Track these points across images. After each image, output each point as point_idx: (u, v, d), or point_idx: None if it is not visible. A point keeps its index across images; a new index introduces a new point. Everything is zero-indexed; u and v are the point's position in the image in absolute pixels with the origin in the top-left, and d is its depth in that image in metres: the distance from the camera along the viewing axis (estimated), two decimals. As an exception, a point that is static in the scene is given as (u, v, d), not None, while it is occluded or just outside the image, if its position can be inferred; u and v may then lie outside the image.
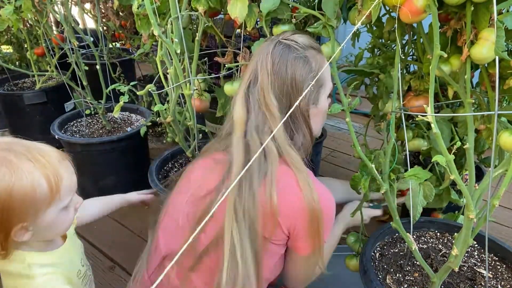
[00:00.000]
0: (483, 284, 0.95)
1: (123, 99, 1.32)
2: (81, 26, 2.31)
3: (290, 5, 1.04)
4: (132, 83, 1.42)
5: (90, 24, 2.42)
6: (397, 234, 1.11)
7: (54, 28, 2.68)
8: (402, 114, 0.96)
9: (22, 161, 0.67)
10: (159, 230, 0.94)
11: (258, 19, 1.07)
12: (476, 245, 1.08)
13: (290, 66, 0.86)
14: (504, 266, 1.01)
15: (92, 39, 2.14)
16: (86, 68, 2.08)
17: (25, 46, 2.60)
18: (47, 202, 0.69)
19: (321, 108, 0.93)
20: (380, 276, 0.97)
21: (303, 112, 0.89)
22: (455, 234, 0.85)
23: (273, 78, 0.86)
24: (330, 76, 0.95)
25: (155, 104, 1.35)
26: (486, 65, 0.82)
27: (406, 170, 0.93)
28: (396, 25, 0.82)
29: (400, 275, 0.98)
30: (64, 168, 0.72)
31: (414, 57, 1.24)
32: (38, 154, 0.69)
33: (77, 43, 2.00)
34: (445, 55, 0.71)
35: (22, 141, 0.72)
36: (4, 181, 0.64)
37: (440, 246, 1.08)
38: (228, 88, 1.24)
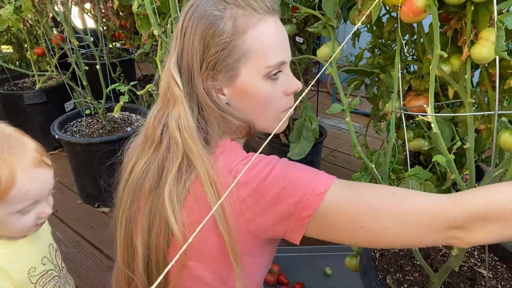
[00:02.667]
0: (483, 284, 0.95)
1: (123, 99, 1.33)
2: (81, 26, 2.31)
3: (291, 5, 1.04)
4: (132, 83, 1.42)
5: (90, 24, 2.42)
6: (397, 234, 1.11)
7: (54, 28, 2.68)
8: (403, 114, 0.96)
9: None
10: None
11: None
12: (476, 245, 1.08)
13: (196, 26, 0.66)
14: (504, 266, 1.01)
15: (92, 39, 2.14)
16: (86, 68, 2.08)
17: (25, 46, 2.60)
18: None
19: (244, 87, 0.68)
20: (380, 276, 0.97)
21: (208, 90, 0.68)
22: (455, 234, 0.85)
23: (180, 43, 0.68)
24: (269, 48, 0.68)
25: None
26: (486, 65, 0.82)
27: (406, 170, 0.93)
28: (396, 25, 0.82)
29: (400, 275, 0.98)
30: (27, 174, 0.71)
31: (414, 57, 1.24)
32: (6, 151, 0.69)
33: (77, 43, 2.00)
34: (445, 55, 0.71)
35: (7, 133, 0.72)
36: None
37: (440, 246, 1.08)
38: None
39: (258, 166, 0.63)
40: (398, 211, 0.58)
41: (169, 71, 0.69)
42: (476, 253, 1.06)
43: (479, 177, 1.47)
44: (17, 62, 2.97)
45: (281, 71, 0.70)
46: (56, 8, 1.99)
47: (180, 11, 1.09)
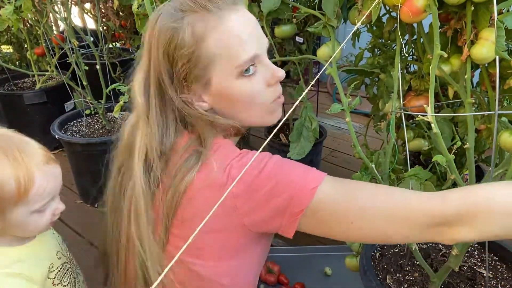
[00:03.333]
0: (483, 284, 0.95)
1: (123, 99, 1.33)
2: (81, 26, 2.31)
3: (291, 5, 1.04)
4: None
5: (90, 24, 2.42)
6: (397, 234, 1.11)
7: (54, 28, 2.68)
8: (403, 114, 0.96)
9: None
10: None
11: (258, 19, 1.07)
12: (476, 245, 1.08)
13: (158, 41, 0.65)
14: (504, 266, 1.01)
15: (92, 39, 2.14)
16: (86, 68, 2.08)
17: (25, 46, 2.60)
18: (13, 202, 0.68)
19: (219, 90, 0.67)
20: (380, 276, 0.97)
21: (186, 102, 0.68)
22: (455, 234, 0.85)
23: (147, 58, 0.68)
24: (236, 45, 0.64)
25: (155, 104, 1.35)
26: (486, 65, 0.82)
27: (406, 170, 0.93)
28: (396, 25, 0.82)
29: (400, 275, 0.98)
30: (42, 172, 0.71)
31: (414, 57, 1.24)
32: (18, 151, 0.68)
33: (77, 43, 2.00)
34: (445, 55, 0.71)
35: (10, 135, 0.71)
36: None
37: (440, 246, 1.08)
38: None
39: (251, 162, 0.63)
40: (388, 208, 0.59)
41: (133, 87, 0.69)
42: (476, 253, 1.06)
43: (479, 177, 1.47)
44: (17, 62, 2.97)
45: (253, 64, 0.67)
46: (56, 8, 2.00)
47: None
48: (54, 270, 0.81)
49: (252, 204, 0.62)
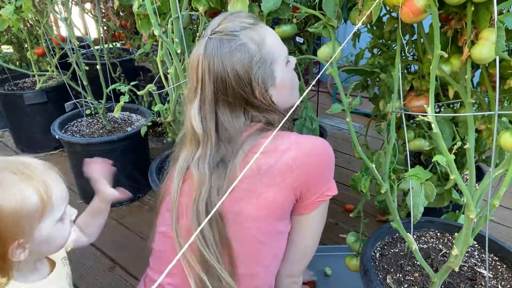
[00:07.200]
0: (483, 284, 0.95)
1: (124, 99, 1.33)
2: (81, 26, 2.31)
3: (291, 5, 1.04)
4: (132, 83, 1.42)
5: (90, 24, 2.42)
6: (397, 234, 1.11)
7: (54, 27, 2.68)
8: (403, 114, 0.96)
9: (5, 174, 0.65)
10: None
11: (258, 19, 1.07)
12: (476, 245, 1.08)
13: (227, 62, 0.79)
14: (504, 266, 1.01)
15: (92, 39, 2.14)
16: (87, 68, 2.08)
17: (26, 46, 2.60)
18: (40, 215, 0.68)
19: (281, 81, 0.86)
20: (380, 276, 0.97)
21: (264, 98, 0.83)
22: (455, 234, 0.85)
23: (215, 82, 0.80)
24: (279, 44, 0.86)
25: (156, 104, 1.35)
26: (486, 65, 0.82)
27: (407, 170, 0.93)
28: (396, 25, 0.82)
29: (401, 275, 0.98)
30: (52, 178, 0.71)
31: (415, 57, 1.24)
32: (21, 166, 0.68)
33: (78, 43, 2.00)
34: (446, 55, 0.71)
35: (4, 157, 0.71)
36: None
37: (440, 246, 1.08)
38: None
39: None
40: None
41: (190, 115, 0.82)
42: (476, 253, 1.06)
43: (479, 177, 1.47)
44: (17, 62, 2.97)
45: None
46: (56, 8, 2.00)
47: (180, 11, 1.09)
48: None
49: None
